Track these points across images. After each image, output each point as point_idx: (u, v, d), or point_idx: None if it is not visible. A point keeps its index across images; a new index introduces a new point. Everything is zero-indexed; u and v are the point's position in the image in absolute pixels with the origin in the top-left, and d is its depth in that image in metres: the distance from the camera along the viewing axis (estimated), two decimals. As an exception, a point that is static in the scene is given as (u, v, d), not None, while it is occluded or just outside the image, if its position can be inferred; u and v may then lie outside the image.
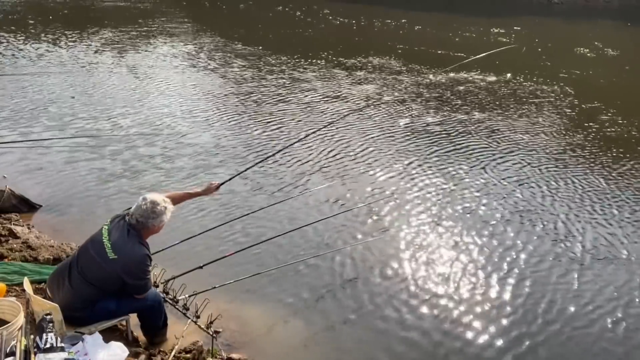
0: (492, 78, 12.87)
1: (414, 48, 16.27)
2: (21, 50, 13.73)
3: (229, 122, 9.27)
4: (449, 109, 10.41)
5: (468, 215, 6.34)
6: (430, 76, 12.87)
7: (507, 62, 14.73)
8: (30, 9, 20.40)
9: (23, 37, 15.16)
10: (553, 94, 11.70)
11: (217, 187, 4.36)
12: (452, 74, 13.04)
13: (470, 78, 12.81)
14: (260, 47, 15.19)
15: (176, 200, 3.99)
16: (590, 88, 12.93)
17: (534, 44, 17.55)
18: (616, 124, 9.89)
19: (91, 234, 3.69)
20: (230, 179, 4.81)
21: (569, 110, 10.65)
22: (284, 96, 10.82)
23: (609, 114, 10.43)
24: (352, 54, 14.87)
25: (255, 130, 8.89)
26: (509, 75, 13.17)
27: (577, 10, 26.62)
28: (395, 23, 20.56)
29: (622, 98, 11.92)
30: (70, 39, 15.22)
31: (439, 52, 15.78)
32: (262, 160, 6.68)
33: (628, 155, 8.41)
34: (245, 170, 5.99)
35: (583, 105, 11.02)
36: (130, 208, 3.64)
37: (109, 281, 3.52)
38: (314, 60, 14.06)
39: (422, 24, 20.48)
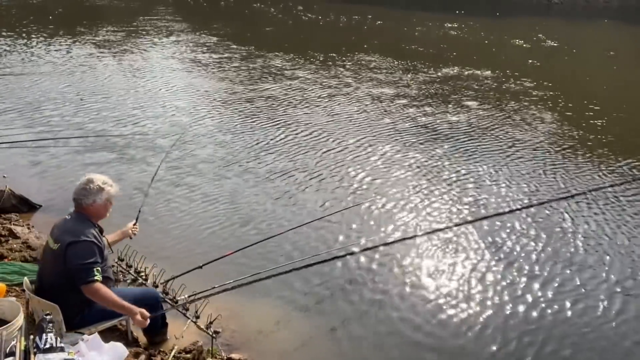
0: (487, 74, 12.90)
1: (410, 47, 16.32)
2: (20, 50, 13.72)
3: (227, 120, 9.27)
4: (441, 105, 10.43)
5: (469, 214, 6.34)
6: (419, 74, 12.90)
7: (504, 61, 14.77)
8: (27, 8, 20.43)
9: (22, 37, 15.15)
10: (547, 93, 11.71)
11: (134, 225, 4.17)
12: (443, 71, 13.07)
13: (464, 76, 12.82)
14: (239, 44, 15.51)
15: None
16: (588, 87, 12.95)
17: (531, 43, 17.57)
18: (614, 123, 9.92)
19: None
20: (137, 217, 4.40)
21: (564, 108, 10.67)
22: (269, 91, 10.86)
23: (606, 113, 10.46)
24: (323, 50, 15.19)
25: (252, 128, 8.94)
26: (504, 73, 13.18)
27: (577, 10, 26.64)
28: (391, 21, 20.68)
29: (620, 97, 11.96)
30: (68, 39, 15.22)
31: (430, 51, 15.84)
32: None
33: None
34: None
35: (579, 104, 11.05)
36: None
37: (70, 277, 3.36)
38: (290, 55, 14.35)
39: (418, 23, 20.51)
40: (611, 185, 7.29)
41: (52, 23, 17.71)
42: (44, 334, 3.09)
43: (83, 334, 3.41)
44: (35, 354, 3.04)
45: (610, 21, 24.03)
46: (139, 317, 3.40)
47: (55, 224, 3.60)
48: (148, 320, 3.43)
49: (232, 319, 4.40)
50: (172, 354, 3.83)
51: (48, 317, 3.17)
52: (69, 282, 3.37)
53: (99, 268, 3.36)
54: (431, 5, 24.80)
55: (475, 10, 24.17)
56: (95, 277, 3.31)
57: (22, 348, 3.08)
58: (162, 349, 3.91)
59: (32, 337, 3.16)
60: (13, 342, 3.10)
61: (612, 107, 11.07)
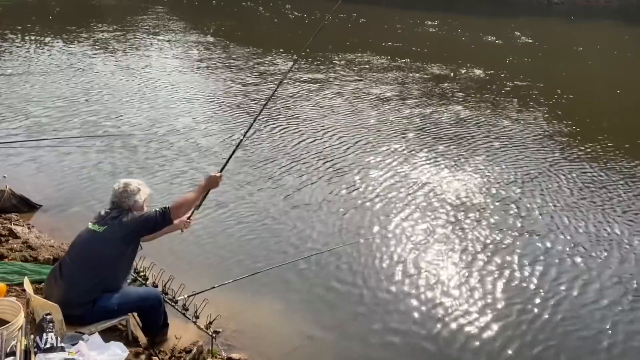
0: (481, 72, 12.91)
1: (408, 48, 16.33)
2: (20, 49, 13.73)
3: (225, 121, 9.30)
4: (429, 100, 10.44)
5: (468, 212, 6.34)
6: (412, 72, 12.91)
7: (502, 60, 14.78)
8: (26, 8, 20.46)
9: (22, 37, 15.16)
10: (543, 91, 11.72)
11: (188, 219, 4.20)
12: (435, 70, 13.09)
13: (462, 74, 12.83)
14: (229, 41, 15.75)
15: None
16: (584, 87, 12.99)
17: (532, 44, 17.58)
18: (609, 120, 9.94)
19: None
20: (226, 163, 4.42)
21: (560, 107, 10.71)
22: (257, 87, 10.74)
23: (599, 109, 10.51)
24: (310, 47, 15.24)
25: (241, 122, 9.14)
26: (502, 72, 13.19)
27: (577, 10, 26.63)
28: (390, 21, 20.74)
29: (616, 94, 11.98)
30: (66, 39, 15.24)
31: (424, 50, 15.86)
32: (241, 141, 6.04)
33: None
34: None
35: (574, 101, 11.10)
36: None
37: (109, 254, 3.57)
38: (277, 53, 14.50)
39: (414, 22, 20.51)
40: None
41: (51, 23, 17.73)
42: (45, 334, 3.10)
43: (83, 334, 3.42)
44: (35, 353, 3.05)
45: (611, 21, 24.05)
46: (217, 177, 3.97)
47: (96, 217, 3.76)
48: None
49: (232, 318, 4.41)
50: (173, 354, 3.84)
51: (48, 317, 3.18)
52: (97, 260, 3.54)
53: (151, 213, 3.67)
54: (431, 4, 24.79)
55: (475, 10, 24.19)
56: (162, 209, 3.67)
57: (23, 348, 3.09)
58: (162, 349, 3.92)
59: (32, 336, 3.17)
60: (13, 342, 3.10)
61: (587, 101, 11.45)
